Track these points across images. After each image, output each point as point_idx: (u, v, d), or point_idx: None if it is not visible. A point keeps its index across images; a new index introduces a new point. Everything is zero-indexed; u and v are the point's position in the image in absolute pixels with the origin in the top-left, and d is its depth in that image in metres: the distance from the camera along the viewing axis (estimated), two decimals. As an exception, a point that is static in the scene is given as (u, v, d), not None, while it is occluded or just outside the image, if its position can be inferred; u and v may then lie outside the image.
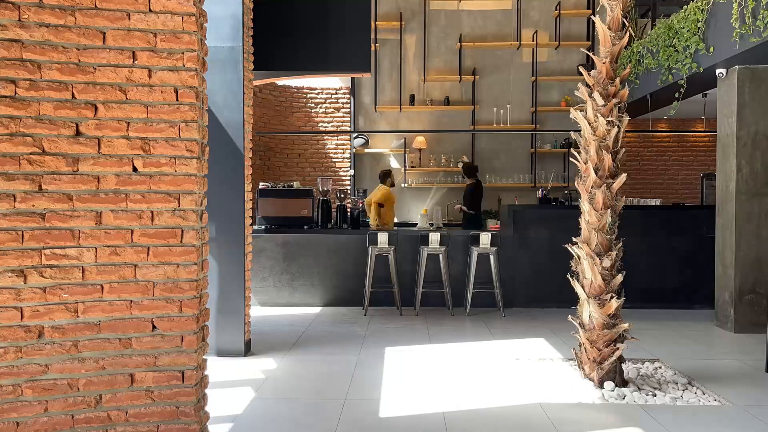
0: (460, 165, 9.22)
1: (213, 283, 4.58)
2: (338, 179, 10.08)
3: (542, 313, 6.57)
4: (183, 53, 2.60)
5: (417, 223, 9.28)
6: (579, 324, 4.15)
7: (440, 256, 6.48)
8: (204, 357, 2.80)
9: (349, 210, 7.49)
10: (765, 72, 5.73)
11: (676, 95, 6.36)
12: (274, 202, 7.08)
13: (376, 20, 9.60)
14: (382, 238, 6.47)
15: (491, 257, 6.44)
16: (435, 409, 3.58)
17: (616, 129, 4.00)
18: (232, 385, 4.04)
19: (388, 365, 4.53)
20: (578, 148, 4.25)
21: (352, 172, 9.98)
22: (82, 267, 2.53)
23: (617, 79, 4.08)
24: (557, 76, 9.82)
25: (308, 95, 10.24)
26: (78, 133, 2.52)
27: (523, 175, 9.89)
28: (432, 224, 7.55)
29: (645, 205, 7.52)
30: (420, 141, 9.79)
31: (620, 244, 4.07)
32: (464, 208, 8.34)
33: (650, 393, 3.87)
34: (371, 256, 6.47)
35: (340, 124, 10.21)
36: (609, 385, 3.94)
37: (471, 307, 6.52)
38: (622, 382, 4.01)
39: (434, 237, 6.58)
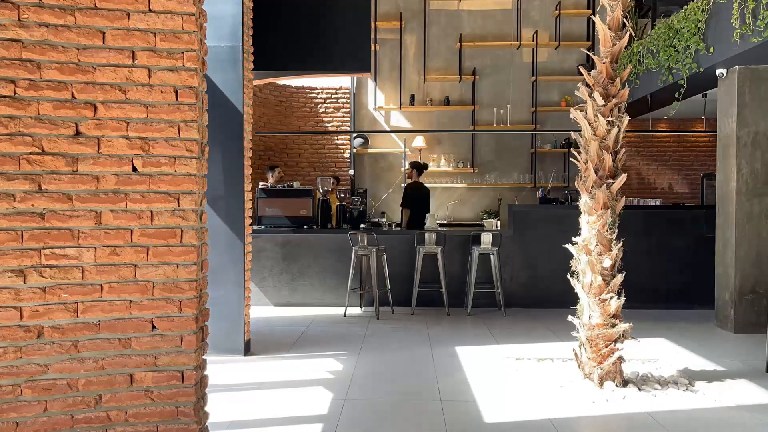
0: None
1: (212, 283, 4.57)
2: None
3: (542, 313, 6.56)
4: (183, 53, 2.60)
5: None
6: (579, 324, 4.15)
7: (437, 255, 6.48)
8: (204, 357, 2.79)
9: (348, 210, 7.49)
10: (765, 72, 5.72)
11: (676, 95, 6.35)
12: (274, 202, 7.08)
13: (376, 20, 9.60)
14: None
15: (492, 257, 6.44)
16: (435, 408, 3.57)
17: (616, 129, 4.00)
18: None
19: (382, 366, 4.53)
20: (578, 148, 4.25)
21: (352, 172, 9.97)
22: (82, 267, 2.52)
23: (617, 79, 4.08)
24: (557, 76, 9.81)
25: (308, 95, 10.23)
26: (77, 133, 2.51)
27: (523, 175, 9.88)
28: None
29: (645, 205, 7.52)
30: (420, 141, 9.78)
31: (620, 244, 4.06)
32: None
33: (650, 393, 3.87)
34: (373, 257, 6.48)
35: (340, 124, 10.20)
36: (609, 385, 3.93)
37: (471, 307, 6.51)
38: (623, 383, 4.00)
39: (430, 237, 6.58)
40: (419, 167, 7.71)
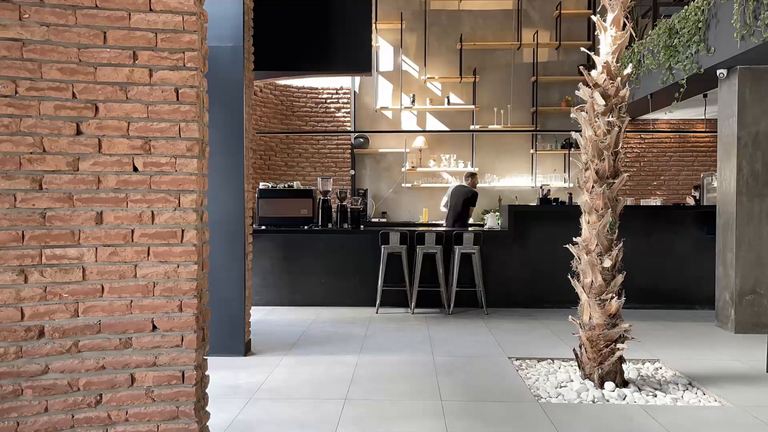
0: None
1: (212, 283, 4.57)
2: (338, 179, 10.07)
3: (542, 313, 6.57)
4: (184, 53, 2.60)
5: (416, 224, 9.29)
6: (579, 324, 4.15)
7: (436, 255, 6.49)
8: (204, 357, 2.79)
9: (349, 210, 7.50)
10: (766, 72, 5.72)
11: (676, 95, 6.36)
12: (274, 202, 7.08)
13: (376, 20, 9.60)
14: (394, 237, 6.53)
15: (474, 256, 6.49)
16: (435, 409, 3.58)
17: (616, 129, 4.00)
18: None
19: (385, 367, 4.54)
20: (579, 148, 4.25)
21: (352, 172, 9.97)
22: (83, 267, 2.52)
23: (618, 79, 4.08)
24: (558, 77, 9.82)
25: (308, 95, 10.23)
26: (78, 133, 2.51)
27: (523, 175, 9.89)
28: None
29: (645, 205, 7.51)
30: (420, 141, 9.79)
31: (621, 245, 4.07)
32: None
33: (651, 393, 3.87)
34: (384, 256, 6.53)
35: (341, 124, 10.20)
36: (609, 385, 3.93)
37: (474, 308, 6.52)
38: (623, 383, 4.00)
39: (429, 237, 6.59)
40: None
